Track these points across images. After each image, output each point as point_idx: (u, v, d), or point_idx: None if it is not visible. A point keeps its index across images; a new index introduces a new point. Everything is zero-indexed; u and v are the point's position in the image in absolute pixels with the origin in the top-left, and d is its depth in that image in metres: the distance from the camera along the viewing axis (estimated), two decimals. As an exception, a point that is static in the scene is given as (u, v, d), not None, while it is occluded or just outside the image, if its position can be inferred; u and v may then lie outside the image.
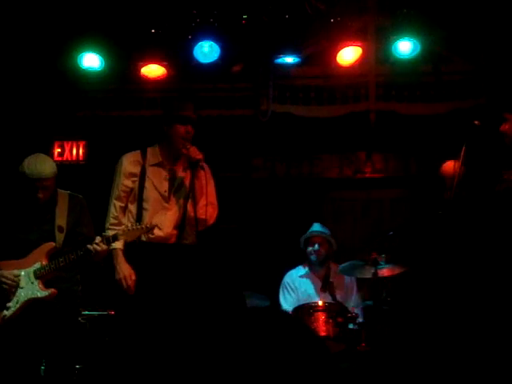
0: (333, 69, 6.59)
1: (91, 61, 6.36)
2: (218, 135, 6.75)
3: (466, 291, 4.27)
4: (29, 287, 4.13)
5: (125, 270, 4.27)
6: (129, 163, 4.49)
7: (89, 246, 4.09)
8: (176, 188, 4.49)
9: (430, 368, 4.46)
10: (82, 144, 7.11)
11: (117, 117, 6.96)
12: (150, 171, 4.47)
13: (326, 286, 5.73)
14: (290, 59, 6.54)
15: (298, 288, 5.84)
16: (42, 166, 4.19)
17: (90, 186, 5.62)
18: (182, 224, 4.41)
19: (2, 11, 5.99)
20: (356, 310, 5.50)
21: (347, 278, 5.82)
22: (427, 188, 6.52)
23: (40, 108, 6.71)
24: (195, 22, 6.25)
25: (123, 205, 4.45)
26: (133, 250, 4.32)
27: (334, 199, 7.25)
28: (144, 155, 4.52)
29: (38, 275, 4.15)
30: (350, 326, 5.21)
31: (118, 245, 4.27)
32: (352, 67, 6.48)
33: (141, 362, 4.15)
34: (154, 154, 4.52)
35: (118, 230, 4.19)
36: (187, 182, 4.45)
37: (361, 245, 6.21)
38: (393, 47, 6.33)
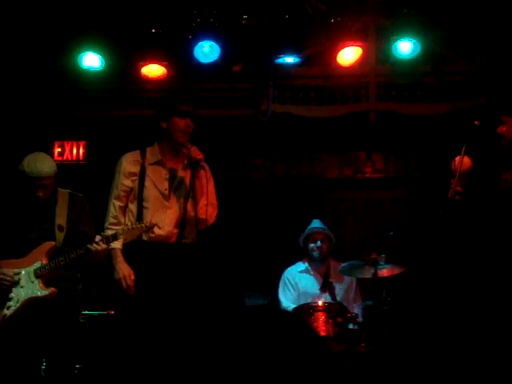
0: (333, 69, 6.60)
1: (91, 60, 6.37)
2: (218, 135, 6.74)
3: (465, 291, 4.27)
4: (29, 286, 4.13)
5: (124, 270, 4.25)
6: (128, 163, 4.48)
7: (89, 245, 4.08)
8: (176, 186, 4.47)
9: (430, 368, 4.47)
10: (82, 144, 7.11)
11: (117, 116, 6.96)
12: (150, 170, 4.46)
13: (326, 286, 5.73)
14: (290, 59, 6.54)
15: (298, 283, 5.84)
16: (41, 164, 4.18)
17: (90, 185, 5.60)
18: (182, 223, 4.40)
19: (3, 11, 5.99)
20: (356, 310, 5.50)
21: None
22: (427, 188, 6.54)
23: (40, 108, 6.71)
24: (195, 22, 6.26)
25: (123, 204, 4.44)
26: (134, 249, 4.31)
27: (333, 199, 7.24)
28: (143, 155, 4.50)
29: (39, 274, 4.14)
30: (350, 326, 5.22)
31: (117, 244, 4.25)
32: (352, 67, 6.48)
33: (141, 362, 4.15)
34: (153, 153, 4.51)
35: (118, 229, 4.18)
36: (187, 181, 4.44)
37: (361, 245, 6.20)
38: (393, 47, 6.34)
